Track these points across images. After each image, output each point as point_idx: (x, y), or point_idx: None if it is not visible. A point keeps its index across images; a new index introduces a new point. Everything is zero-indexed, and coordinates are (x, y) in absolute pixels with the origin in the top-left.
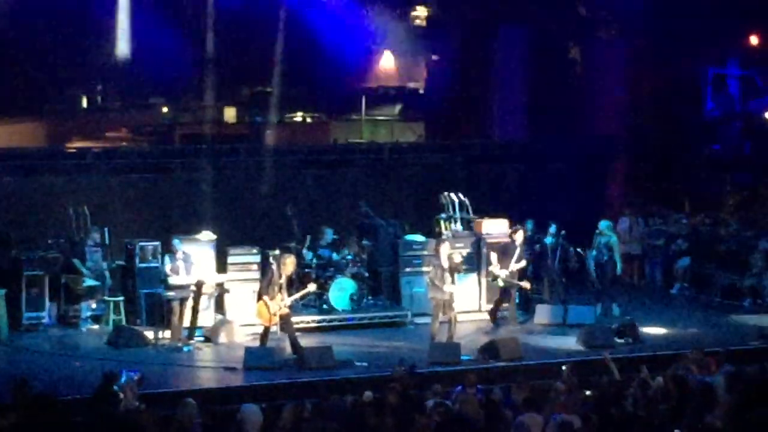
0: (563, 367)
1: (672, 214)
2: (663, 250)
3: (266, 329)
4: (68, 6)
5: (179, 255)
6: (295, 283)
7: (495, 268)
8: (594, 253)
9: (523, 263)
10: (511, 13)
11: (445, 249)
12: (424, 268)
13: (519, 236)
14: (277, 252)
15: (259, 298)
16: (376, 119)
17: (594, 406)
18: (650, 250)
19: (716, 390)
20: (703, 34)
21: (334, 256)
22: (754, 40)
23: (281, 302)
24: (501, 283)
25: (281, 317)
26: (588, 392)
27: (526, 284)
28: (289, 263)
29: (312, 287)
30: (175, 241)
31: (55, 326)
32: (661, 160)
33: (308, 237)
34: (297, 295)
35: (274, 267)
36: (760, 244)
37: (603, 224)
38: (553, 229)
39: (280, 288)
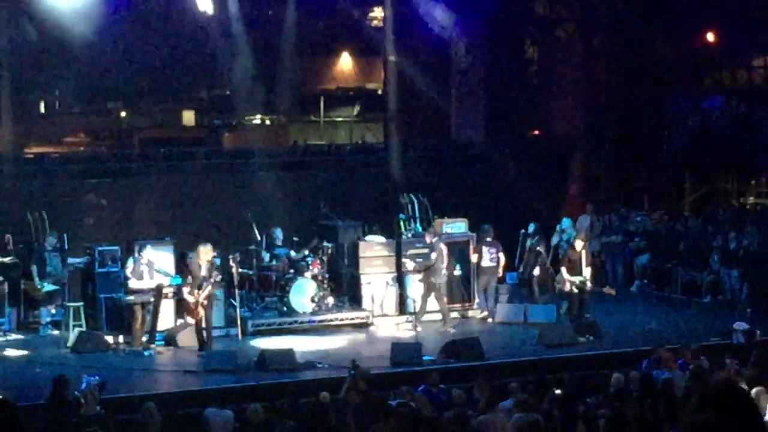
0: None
1: (631, 212)
2: (622, 248)
3: (197, 325)
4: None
5: (143, 260)
6: (255, 285)
7: (574, 277)
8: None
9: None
10: (468, 12)
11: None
12: (385, 269)
13: (578, 244)
14: (236, 255)
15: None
16: (335, 121)
17: (559, 404)
18: (610, 248)
19: (678, 386)
20: (660, 32)
21: (292, 253)
22: (710, 37)
23: (198, 292)
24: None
25: (203, 306)
26: (558, 391)
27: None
28: (203, 251)
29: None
30: (147, 246)
31: (15, 332)
32: (620, 157)
33: (263, 238)
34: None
35: (190, 261)
36: (718, 240)
37: (565, 222)
38: (532, 227)
39: (202, 281)
